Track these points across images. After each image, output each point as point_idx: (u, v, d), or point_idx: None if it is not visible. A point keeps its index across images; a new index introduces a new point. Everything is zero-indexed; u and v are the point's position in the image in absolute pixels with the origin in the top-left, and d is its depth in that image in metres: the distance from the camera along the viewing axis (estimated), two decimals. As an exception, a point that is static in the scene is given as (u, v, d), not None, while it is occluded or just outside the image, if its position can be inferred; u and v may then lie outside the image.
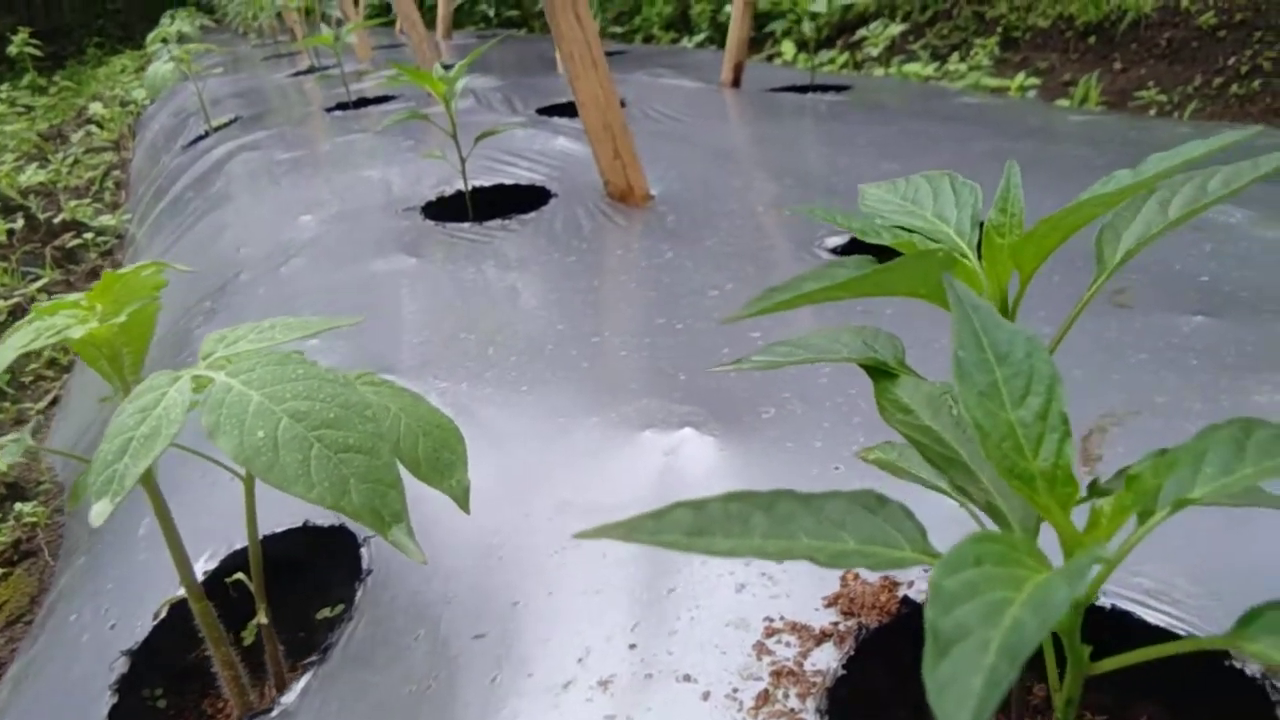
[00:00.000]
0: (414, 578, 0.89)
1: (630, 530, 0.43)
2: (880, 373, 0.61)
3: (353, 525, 0.98)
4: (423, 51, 3.13)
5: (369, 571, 0.91)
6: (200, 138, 3.50)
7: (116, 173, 4.57)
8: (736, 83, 2.98)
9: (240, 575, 0.89)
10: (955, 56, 4.43)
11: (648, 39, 8.23)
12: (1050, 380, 0.43)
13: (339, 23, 4.98)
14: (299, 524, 1.00)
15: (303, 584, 0.99)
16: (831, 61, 4.38)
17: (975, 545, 0.37)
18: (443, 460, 0.80)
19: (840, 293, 0.47)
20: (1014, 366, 0.43)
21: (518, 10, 7.09)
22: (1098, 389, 0.98)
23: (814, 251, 1.48)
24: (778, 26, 2.86)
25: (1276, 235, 1.32)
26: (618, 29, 9.08)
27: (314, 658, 0.84)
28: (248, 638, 0.98)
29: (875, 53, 4.24)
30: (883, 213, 0.66)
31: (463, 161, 1.89)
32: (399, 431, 0.79)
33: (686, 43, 6.59)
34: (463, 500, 0.80)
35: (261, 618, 0.86)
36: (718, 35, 6.58)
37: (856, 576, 0.77)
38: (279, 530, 1.00)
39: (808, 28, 2.75)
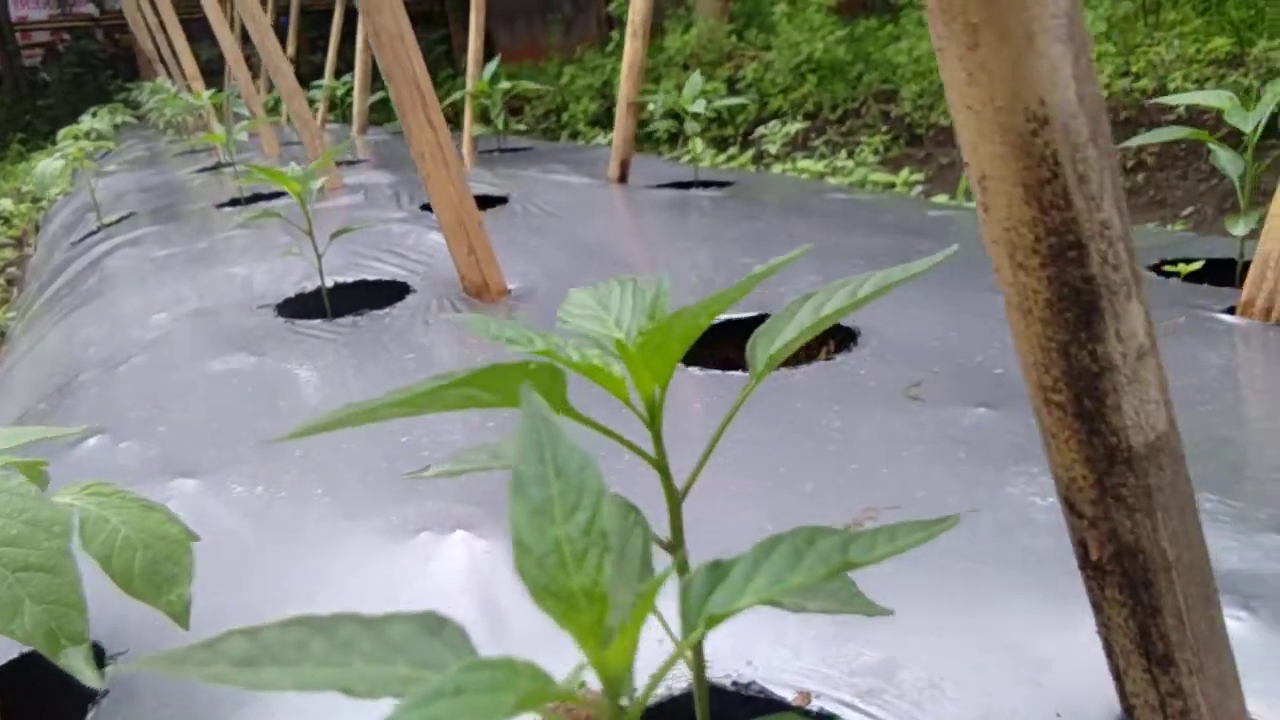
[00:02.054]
0: (156, 699, 0.85)
1: (177, 662, 0.41)
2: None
3: (103, 643, 0.94)
4: (314, 147, 3.16)
5: (105, 693, 0.86)
6: (90, 234, 3.46)
7: (13, 269, 4.49)
8: (623, 179, 3.05)
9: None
10: (844, 153, 4.58)
11: (574, 135, 8.42)
12: (597, 495, 0.42)
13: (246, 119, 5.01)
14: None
15: (45, 712, 0.94)
16: (731, 159, 4.52)
17: (463, 674, 0.36)
18: (162, 573, 0.77)
19: (410, 408, 0.47)
20: (568, 481, 0.43)
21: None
22: (867, 483, 0.99)
23: (645, 347, 1.49)
24: (660, 126, 2.94)
25: (1077, 327, 1.36)
26: (544, 125, 9.28)
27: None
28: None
29: (774, 150, 4.38)
30: (576, 317, 0.67)
31: (319, 258, 1.89)
32: (114, 545, 0.77)
33: (602, 137, 6.75)
34: (182, 616, 0.77)
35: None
36: (643, 134, 6.74)
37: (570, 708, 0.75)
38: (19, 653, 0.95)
39: (690, 127, 2.82)
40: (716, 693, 0.73)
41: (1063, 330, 0.51)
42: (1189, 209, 4.17)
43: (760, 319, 1.58)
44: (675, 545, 0.60)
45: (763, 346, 0.60)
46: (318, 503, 1.10)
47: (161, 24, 6.76)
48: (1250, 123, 1.38)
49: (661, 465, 0.58)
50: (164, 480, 1.20)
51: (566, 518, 0.43)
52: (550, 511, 0.43)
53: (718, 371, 1.37)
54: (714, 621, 0.41)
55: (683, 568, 0.56)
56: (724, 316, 1.64)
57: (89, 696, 0.89)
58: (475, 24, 4.12)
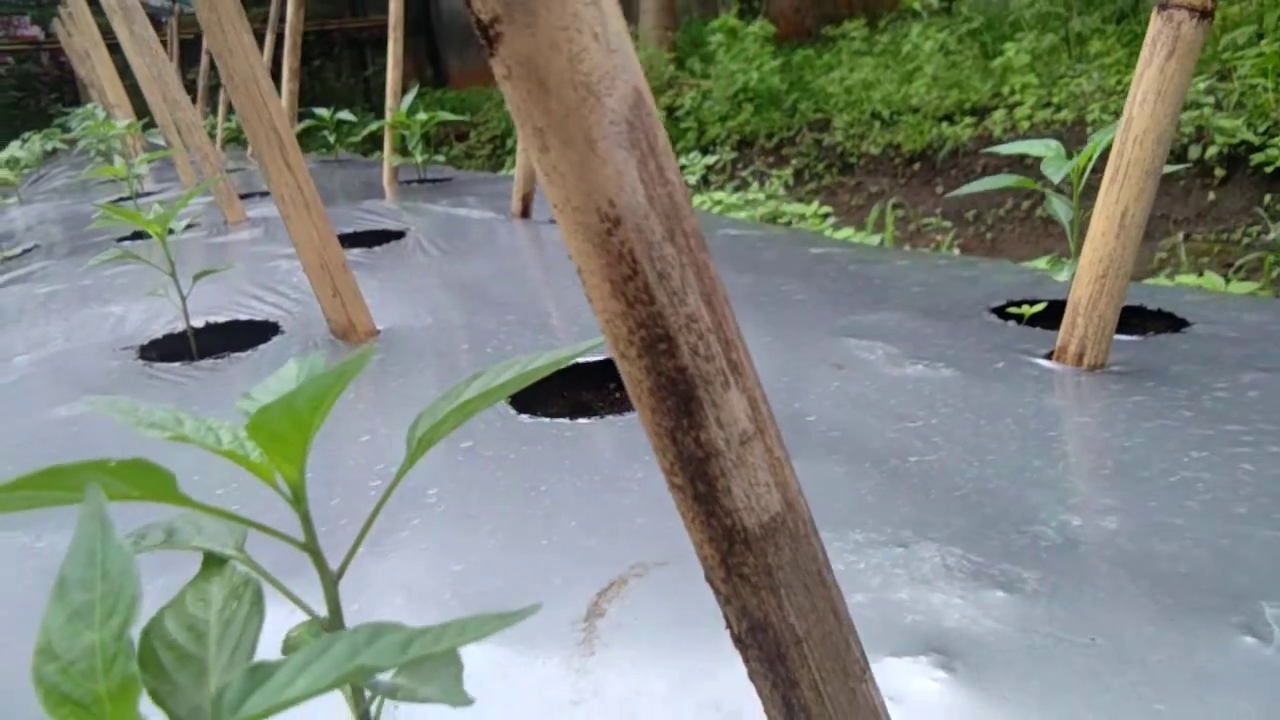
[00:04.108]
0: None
1: None
2: (212, 559, 0.61)
3: None
4: (211, 177, 3.14)
5: None
6: (-10, 267, 3.41)
7: (-80, 300, 4.39)
8: (525, 213, 3.06)
9: None
10: (770, 182, 4.64)
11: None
12: (131, 600, 0.43)
13: (162, 148, 4.97)
14: None
15: None
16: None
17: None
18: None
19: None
20: (110, 583, 0.44)
21: (354, 139, 7.21)
22: (649, 537, 1.00)
23: (486, 392, 1.50)
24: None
25: (900, 374, 1.39)
26: (485, 151, 9.27)
27: None
28: None
29: (692, 181, 4.42)
30: (269, 392, 0.67)
31: (183, 299, 1.88)
32: None
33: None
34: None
35: None
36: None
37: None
38: None
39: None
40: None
41: (668, 417, 0.52)
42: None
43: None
44: (333, 627, 0.60)
45: (423, 425, 0.60)
46: (112, 560, 1.09)
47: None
48: (1060, 174, 1.42)
49: (312, 548, 0.58)
50: (-32, 536, 1.18)
51: (104, 622, 0.43)
52: (90, 616, 0.43)
53: (548, 420, 1.37)
54: (233, 727, 0.42)
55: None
56: (582, 360, 1.65)
57: None
58: (393, 55, 4.13)
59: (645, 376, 0.52)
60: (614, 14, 0.48)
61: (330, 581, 0.59)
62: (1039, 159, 1.55)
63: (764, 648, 0.58)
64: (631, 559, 0.96)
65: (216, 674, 0.51)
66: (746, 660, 0.59)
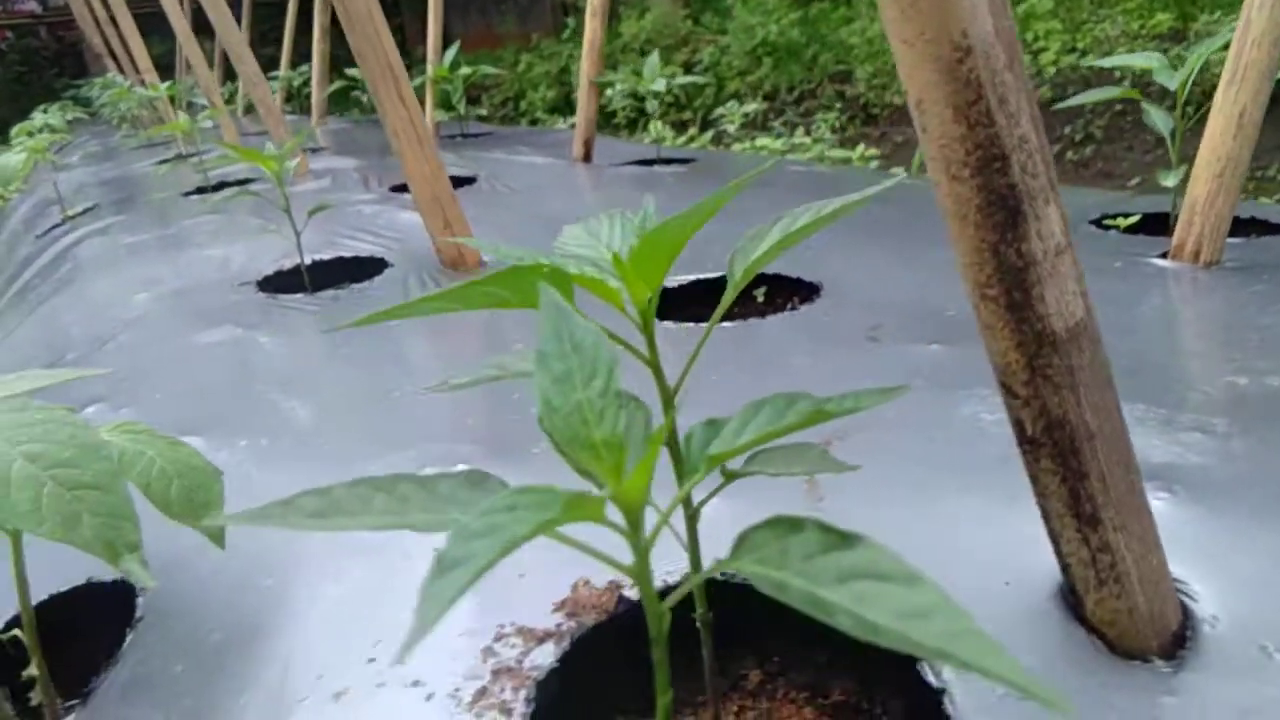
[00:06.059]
0: (182, 623, 0.92)
1: (258, 517, 0.49)
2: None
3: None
4: (279, 136, 3.20)
5: (140, 618, 0.93)
6: (55, 226, 3.47)
7: (-28, 266, 4.46)
8: (587, 158, 3.12)
9: (16, 631, 0.90)
10: (801, 132, 4.68)
11: (533, 122, 8.44)
12: (610, 364, 0.51)
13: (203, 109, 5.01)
14: (82, 582, 1.02)
15: (82, 643, 1.00)
16: (691, 140, 4.61)
17: (515, 495, 0.44)
18: (196, 501, 0.84)
19: (445, 304, 0.55)
20: (584, 355, 0.51)
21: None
22: (835, 411, 1.08)
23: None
24: (620, 108, 3.03)
25: (1022, 273, 1.47)
26: (502, 113, 9.28)
27: (75, 701, 0.86)
28: (35, 698, 0.98)
29: (732, 129, 4.48)
30: (570, 245, 0.75)
31: (297, 235, 1.94)
32: (151, 474, 0.84)
33: (562, 124, 6.79)
34: (217, 538, 0.84)
35: (34, 669, 0.87)
36: (603, 118, 6.82)
37: (586, 583, 0.84)
38: (63, 590, 1.02)
39: (650, 107, 2.90)
40: (707, 582, 0.81)
41: (993, 232, 0.60)
42: (1136, 179, 4.31)
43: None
44: (669, 434, 0.68)
45: (740, 259, 0.68)
46: (320, 450, 1.18)
47: (112, 18, 6.68)
48: (1175, 81, 1.48)
49: (654, 364, 0.66)
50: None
51: (585, 385, 0.51)
52: (571, 380, 0.51)
53: (691, 324, 1.45)
54: (714, 461, 0.50)
55: (675, 455, 0.65)
56: (693, 277, 1.72)
57: (122, 626, 0.96)
58: (434, 11, 4.17)
59: (975, 194, 0.60)
60: None
61: (668, 396, 0.67)
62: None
63: (1058, 444, 0.66)
64: (828, 430, 1.04)
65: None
66: (1036, 460, 0.67)
